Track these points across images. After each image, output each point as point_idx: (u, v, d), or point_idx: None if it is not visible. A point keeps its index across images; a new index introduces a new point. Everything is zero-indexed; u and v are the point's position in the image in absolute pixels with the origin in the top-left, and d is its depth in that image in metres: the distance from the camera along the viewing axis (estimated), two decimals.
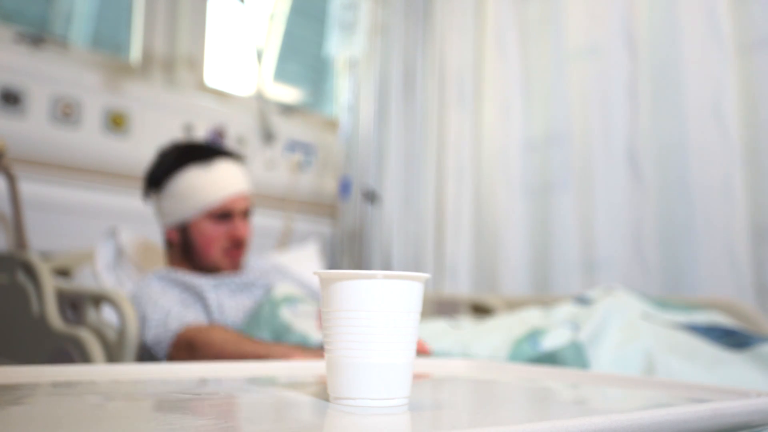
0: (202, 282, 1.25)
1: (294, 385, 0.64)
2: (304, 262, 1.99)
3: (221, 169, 1.34)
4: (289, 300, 1.18)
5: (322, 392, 0.54)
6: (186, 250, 1.34)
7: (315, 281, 1.50)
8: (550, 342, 0.82)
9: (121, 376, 0.64)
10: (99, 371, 0.67)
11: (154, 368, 0.67)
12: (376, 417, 0.44)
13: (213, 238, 1.32)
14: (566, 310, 0.94)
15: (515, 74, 1.92)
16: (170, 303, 1.16)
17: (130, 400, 0.52)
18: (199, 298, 1.23)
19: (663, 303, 0.99)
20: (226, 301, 1.23)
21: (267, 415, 0.49)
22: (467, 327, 1.02)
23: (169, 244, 1.38)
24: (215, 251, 1.33)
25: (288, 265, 1.70)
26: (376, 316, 0.45)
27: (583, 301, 0.98)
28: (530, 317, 0.99)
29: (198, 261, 1.34)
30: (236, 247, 1.34)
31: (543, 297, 1.57)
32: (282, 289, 1.23)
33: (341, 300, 0.46)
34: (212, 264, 1.33)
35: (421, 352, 0.70)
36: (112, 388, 0.58)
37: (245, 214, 1.38)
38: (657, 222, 1.62)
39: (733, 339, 0.83)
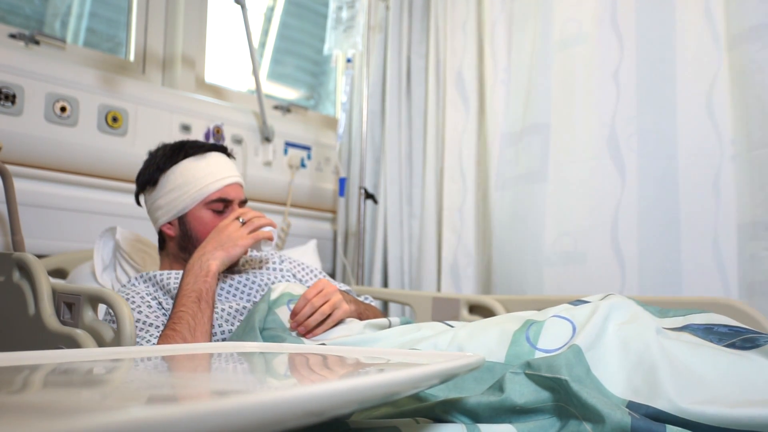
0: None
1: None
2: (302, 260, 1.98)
3: (216, 159, 1.32)
4: (290, 298, 1.13)
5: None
6: (184, 244, 1.31)
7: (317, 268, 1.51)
8: (546, 342, 0.80)
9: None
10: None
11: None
12: None
13: (213, 227, 1.27)
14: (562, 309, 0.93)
15: (503, 66, 1.92)
16: (148, 318, 1.13)
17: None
18: None
19: (660, 309, 0.98)
20: (218, 304, 1.19)
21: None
22: (464, 326, 1.01)
23: (164, 244, 1.35)
24: None
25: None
26: None
27: (580, 304, 0.96)
28: (524, 315, 0.97)
29: None
30: None
31: (541, 298, 1.56)
32: (280, 288, 1.18)
33: None
34: None
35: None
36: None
37: (242, 206, 1.35)
38: (640, 216, 1.59)
39: (740, 337, 0.80)
